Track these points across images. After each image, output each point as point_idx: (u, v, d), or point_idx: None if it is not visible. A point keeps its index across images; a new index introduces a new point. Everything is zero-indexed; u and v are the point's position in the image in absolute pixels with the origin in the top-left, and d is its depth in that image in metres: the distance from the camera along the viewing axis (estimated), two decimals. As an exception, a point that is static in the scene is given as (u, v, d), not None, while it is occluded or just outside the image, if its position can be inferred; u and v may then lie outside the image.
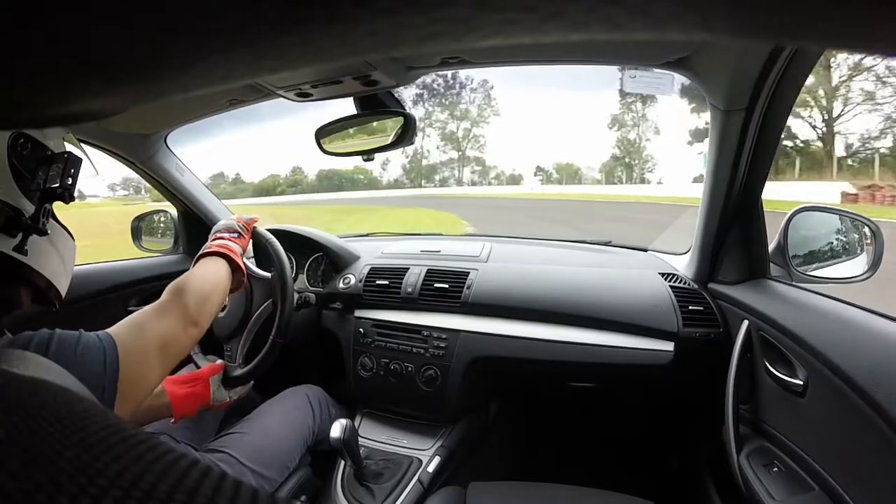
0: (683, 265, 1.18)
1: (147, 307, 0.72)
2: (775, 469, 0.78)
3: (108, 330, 0.62)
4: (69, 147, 0.63)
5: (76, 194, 0.61)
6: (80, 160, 0.61)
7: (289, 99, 0.91)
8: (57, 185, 0.57)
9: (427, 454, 1.10)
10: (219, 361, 1.01)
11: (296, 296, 1.13)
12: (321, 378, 1.27)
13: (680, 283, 1.12)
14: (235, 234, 0.96)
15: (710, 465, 1.10)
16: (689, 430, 1.28)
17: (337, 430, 0.90)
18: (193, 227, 1.49)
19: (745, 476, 0.80)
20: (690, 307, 1.05)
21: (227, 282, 0.87)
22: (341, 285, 1.31)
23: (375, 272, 1.30)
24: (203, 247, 0.92)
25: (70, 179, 0.60)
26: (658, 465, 1.36)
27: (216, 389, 0.94)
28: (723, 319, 1.02)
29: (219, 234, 0.95)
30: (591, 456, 1.44)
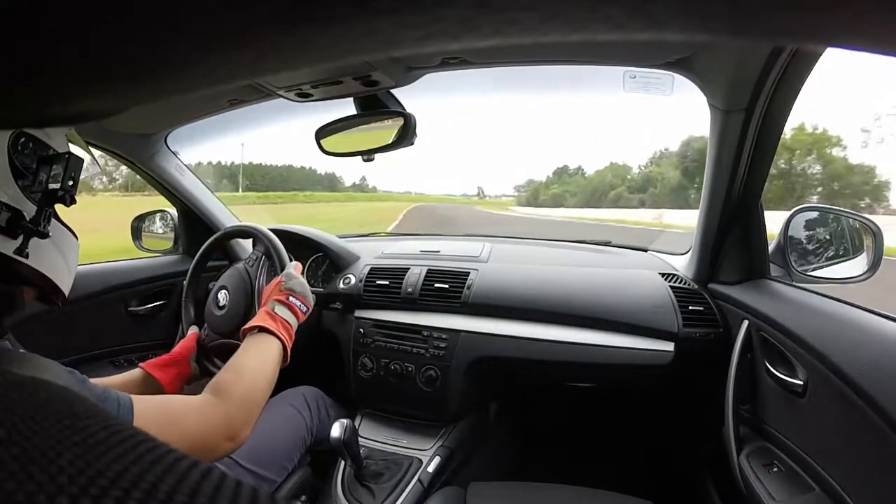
0: (683, 265, 1.18)
1: (189, 399, 0.63)
2: (775, 469, 0.78)
3: (137, 405, 0.56)
4: (72, 147, 0.63)
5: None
6: (81, 161, 0.60)
7: (289, 99, 0.91)
8: (58, 186, 0.57)
9: (427, 454, 1.10)
10: (191, 332, 1.02)
11: None
12: (321, 378, 1.27)
13: (680, 283, 1.12)
14: (304, 309, 0.84)
15: (710, 466, 1.10)
16: (689, 430, 1.28)
17: (337, 430, 0.90)
18: (193, 228, 1.49)
19: (745, 476, 0.80)
20: (690, 307, 1.05)
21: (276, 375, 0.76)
22: (342, 285, 1.31)
23: (376, 272, 1.30)
24: (259, 284, 0.91)
25: (71, 181, 0.59)
26: (658, 465, 1.36)
27: (194, 365, 0.97)
28: (723, 320, 1.02)
29: (292, 293, 0.83)
30: (590, 456, 1.43)
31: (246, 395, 0.67)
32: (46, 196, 0.56)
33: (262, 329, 0.77)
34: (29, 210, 0.55)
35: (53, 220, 0.59)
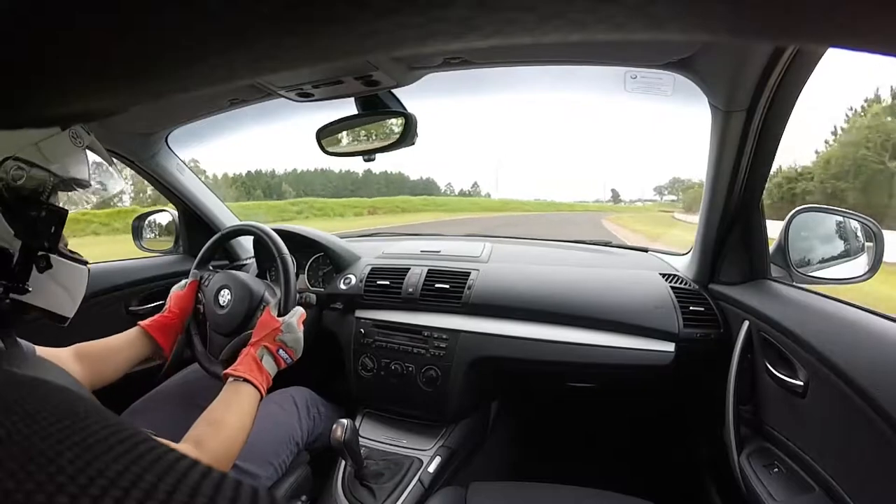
0: (684, 266, 1.18)
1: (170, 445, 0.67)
2: (776, 469, 0.78)
3: None
4: (91, 156, 0.59)
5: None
6: (55, 216, 0.54)
7: (290, 99, 0.91)
8: (33, 237, 0.52)
9: (428, 454, 1.10)
10: (190, 281, 1.07)
11: (297, 296, 1.13)
12: (315, 379, 1.27)
13: (681, 283, 1.12)
14: (289, 361, 0.88)
15: (711, 466, 1.10)
16: (689, 430, 1.28)
17: (338, 430, 0.90)
18: (194, 228, 1.49)
19: (746, 476, 0.80)
20: (691, 308, 1.05)
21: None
22: (342, 285, 1.31)
23: (376, 272, 1.30)
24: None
25: (47, 243, 0.53)
26: (658, 466, 1.36)
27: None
28: (723, 320, 1.02)
29: (283, 346, 0.87)
30: (591, 456, 1.43)
31: (224, 451, 0.69)
32: (24, 251, 0.52)
33: (245, 381, 0.79)
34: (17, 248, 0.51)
35: (54, 257, 0.56)
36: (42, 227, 0.53)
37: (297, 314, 0.93)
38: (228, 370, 0.81)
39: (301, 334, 0.91)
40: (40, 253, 0.54)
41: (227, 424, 0.72)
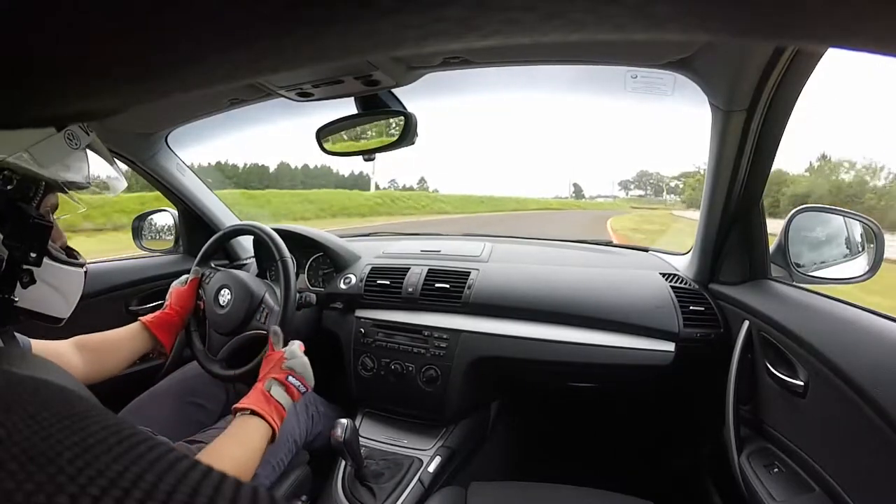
0: (684, 265, 1.18)
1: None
2: (776, 469, 0.78)
3: None
4: (93, 156, 0.59)
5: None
6: (41, 228, 0.53)
7: (290, 98, 0.91)
8: (17, 248, 0.51)
9: (428, 454, 1.10)
10: (191, 278, 1.07)
11: (297, 296, 1.13)
12: (320, 378, 1.27)
13: (681, 283, 1.12)
14: (302, 389, 0.84)
15: (711, 466, 1.10)
16: (689, 430, 1.28)
17: (338, 429, 0.91)
18: (194, 228, 1.49)
19: (746, 476, 0.80)
20: (691, 307, 1.05)
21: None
22: (342, 285, 1.31)
23: (376, 272, 1.30)
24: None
25: (34, 254, 0.52)
26: (658, 466, 1.36)
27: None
28: (724, 320, 1.02)
29: (292, 373, 0.83)
30: (591, 456, 1.43)
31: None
32: (10, 262, 0.51)
33: (254, 412, 0.75)
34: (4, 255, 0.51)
35: (47, 261, 0.55)
36: (29, 235, 0.52)
37: (297, 343, 0.92)
38: (235, 405, 0.78)
39: (307, 360, 0.89)
40: (25, 267, 0.52)
41: (230, 457, 0.68)
